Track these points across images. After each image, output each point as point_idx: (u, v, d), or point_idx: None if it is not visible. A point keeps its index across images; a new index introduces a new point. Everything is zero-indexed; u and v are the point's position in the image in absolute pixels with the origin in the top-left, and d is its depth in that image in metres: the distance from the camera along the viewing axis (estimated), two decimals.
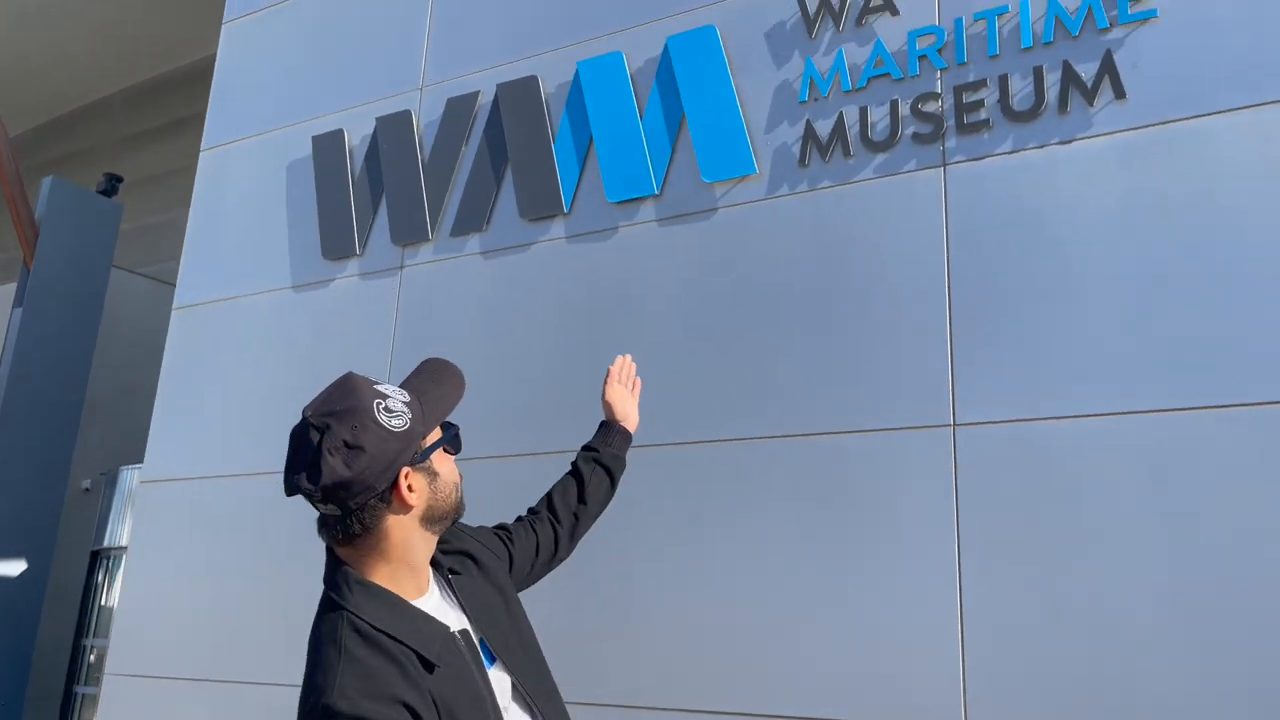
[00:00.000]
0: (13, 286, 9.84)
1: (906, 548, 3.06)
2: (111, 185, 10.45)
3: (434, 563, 1.57)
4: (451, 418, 1.61)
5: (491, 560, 1.70)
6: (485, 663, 1.50)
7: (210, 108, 5.25)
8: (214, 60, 5.34)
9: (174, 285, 5.10)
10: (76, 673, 8.64)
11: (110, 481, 8.88)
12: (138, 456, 5.39)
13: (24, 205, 9.63)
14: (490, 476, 3.68)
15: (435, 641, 1.42)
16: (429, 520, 1.51)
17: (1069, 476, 2.91)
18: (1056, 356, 3.00)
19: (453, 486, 1.54)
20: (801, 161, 3.53)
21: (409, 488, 1.46)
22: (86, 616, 8.79)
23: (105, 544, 8.43)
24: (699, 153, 3.72)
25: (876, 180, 3.40)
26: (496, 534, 1.85)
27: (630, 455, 3.59)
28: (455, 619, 1.53)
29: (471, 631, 1.53)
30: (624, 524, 3.46)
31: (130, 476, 8.46)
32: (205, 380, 4.75)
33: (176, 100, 12.40)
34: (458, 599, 1.56)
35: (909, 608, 3.02)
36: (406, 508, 1.47)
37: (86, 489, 10.83)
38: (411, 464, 1.48)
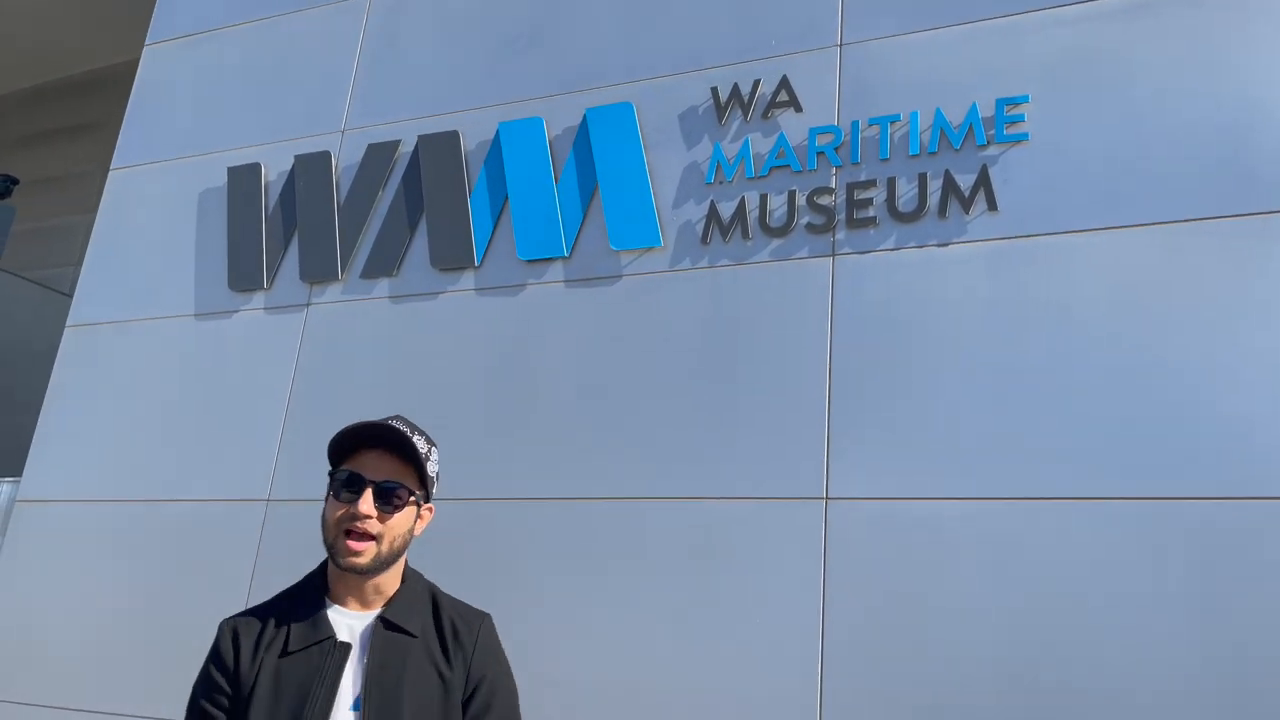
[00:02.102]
0: None
1: (773, 614, 3.25)
2: (6, 187, 10.13)
3: (394, 603, 1.70)
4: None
5: (459, 665, 1.69)
6: (354, 706, 1.59)
7: (125, 127, 5.23)
8: (119, 67, 5.34)
9: (63, 292, 5.02)
10: None
11: None
12: (6, 469, 5.25)
13: None
14: None
15: (310, 640, 1.61)
16: (323, 539, 1.69)
17: (928, 553, 3.15)
18: (924, 440, 3.26)
19: (326, 525, 1.68)
20: (703, 239, 3.75)
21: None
22: None
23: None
24: (609, 221, 3.91)
25: (771, 264, 3.63)
26: (480, 702, 1.72)
27: (515, 508, 3.72)
28: (345, 634, 1.65)
29: (355, 658, 1.62)
30: (509, 578, 3.57)
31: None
32: (95, 402, 4.69)
33: (78, 104, 12.08)
34: (367, 641, 1.64)
35: (771, 672, 3.20)
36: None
37: None
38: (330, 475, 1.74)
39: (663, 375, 3.67)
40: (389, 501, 1.66)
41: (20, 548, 4.61)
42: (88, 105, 11.65)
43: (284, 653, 1.58)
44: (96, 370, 4.76)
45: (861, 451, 3.32)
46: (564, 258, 3.97)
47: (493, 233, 4.13)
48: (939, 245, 3.44)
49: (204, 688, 1.59)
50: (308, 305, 4.40)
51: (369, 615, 1.66)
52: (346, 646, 1.60)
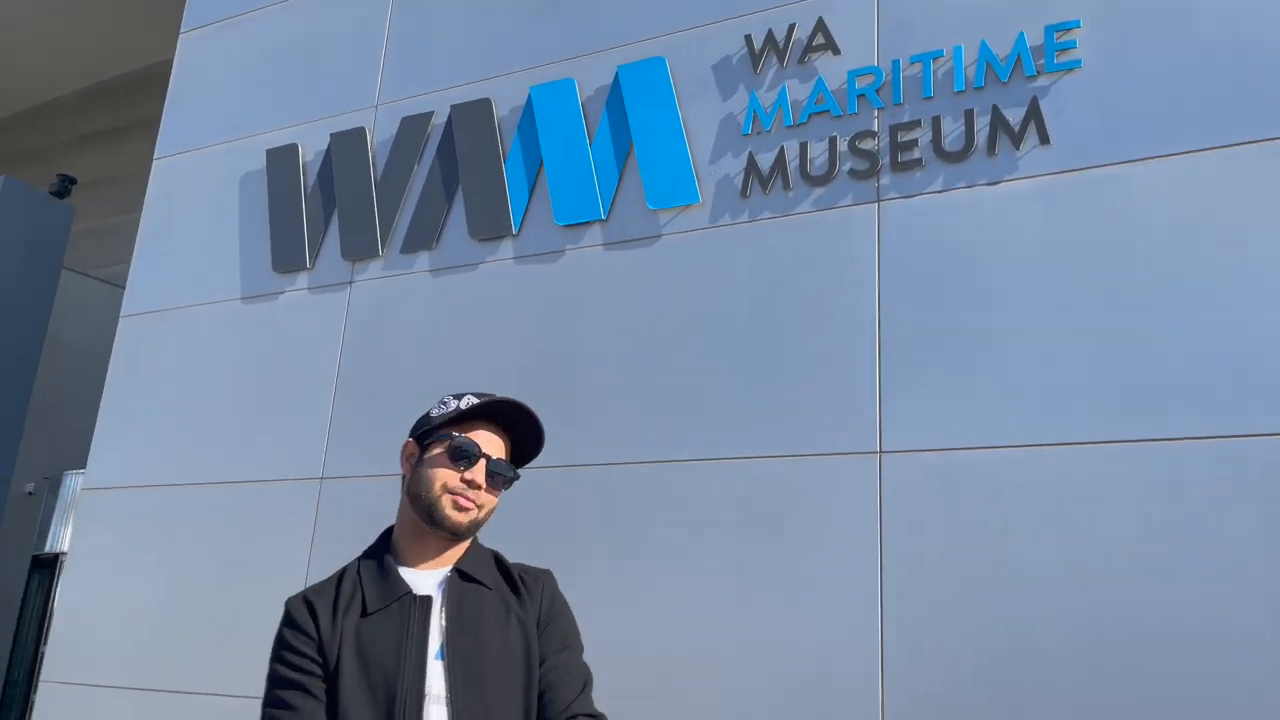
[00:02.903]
0: None
1: (831, 571, 3.16)
2: (64, 187, 10.35)
3: (470, 564, 1.70)
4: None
5: (531, 609, 1.70)
6: (438, 655, 1.57)
7: (165, 116, 5.27)
8: (169, 65, 5.36)
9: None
10: (14, 678, 8.51)
11: (53, 486, 8.77)
12: (84, 462, 5.36)
13: None
14: None
15: (388, 597, 1.61)
16: (412, 497, 1.68)
17: (987, 503, 3.03)
18: (979, 388, 3.13)
19: (429, 484, 1.66)
20: (743, 192, 3.64)
21: (405, 449, 1.73)
22: (25, 622, 8.66)
23: (47, 549, 8.32)
24: (645, 180, 3.82)
25: (814, 213, 3.52)
26: (555, 640, 1.74)
27: (564, 475, 3.68)
28: (426, 589, 1.65)
29: (438, 607, 1.63)
30: (557, 547, 3.53)
31: (75, 482, 8.37)
32: (151, 389, 4.75)
33: (131, 102, 12.29)
34: (444, 592, 1.64)
35: (831, 629, 3.12)
36: (402, 469, 1.73)
37: (30, 493, 10.66)
38: (414, 435, 1.73)
39: (707, 334, 3.58)
40: (497, 480, 1.70)
41: (88, 534, 4.71)
42: (139, 103, 11.85)
43: (364, 614, 1.58)
44: (151, 358, 4.82)
45: (914, 402, 3.21)
46: (601, 220, 3.89)
47: (529, 199, 4.07)
48: (989, 184, 3.28)
49: (288, 657, 1.57)
50: (350, 283, 4.40)
51: (441, 571, 1.67)
52: (428, 599, 1.60)
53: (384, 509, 3.99)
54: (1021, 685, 2.85)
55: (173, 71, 5.34)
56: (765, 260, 3.56)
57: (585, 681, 1.76)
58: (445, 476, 1.66)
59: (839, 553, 3.17)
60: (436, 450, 1.67)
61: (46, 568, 8.41)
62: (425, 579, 1.65)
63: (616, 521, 3.54)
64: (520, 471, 1.79)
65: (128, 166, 11.90)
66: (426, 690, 1.54)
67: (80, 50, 12.51)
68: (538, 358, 3.87)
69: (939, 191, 3.35)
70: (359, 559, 1.70)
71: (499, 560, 1.76)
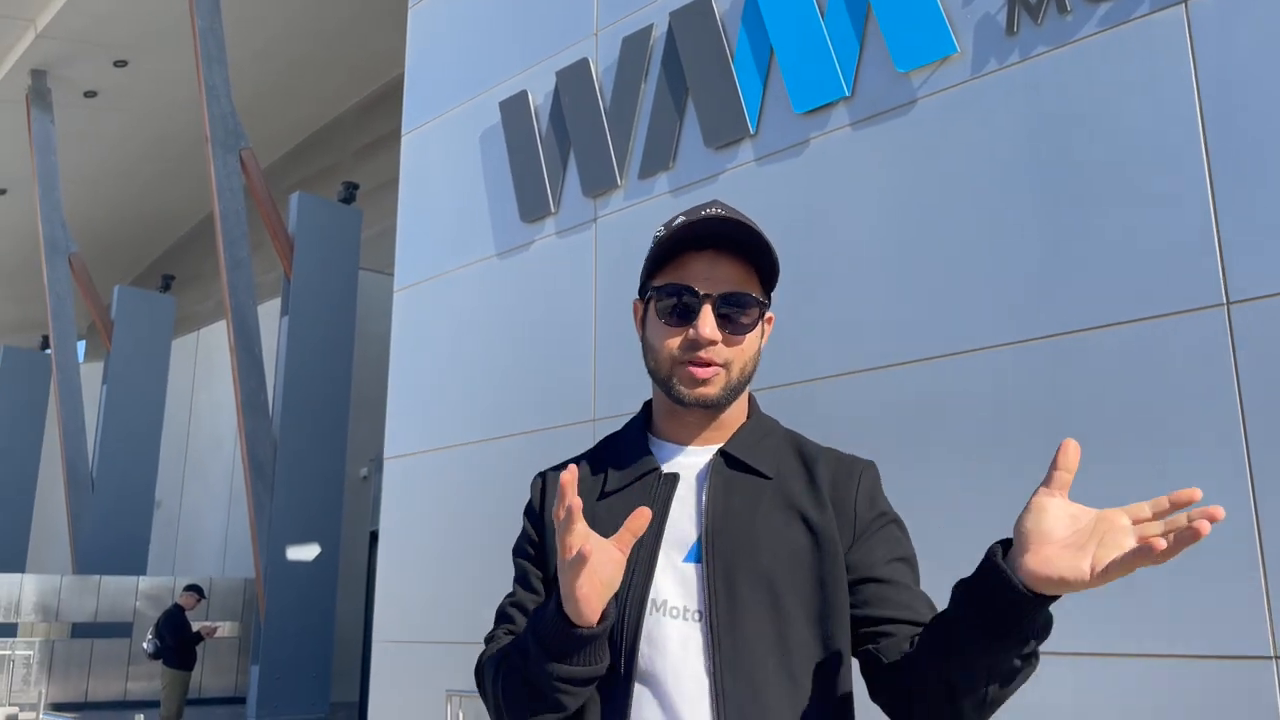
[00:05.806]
0: (279, 301, 10.78)
1: (1185, 453, 2.60)
2: (349, 193, 11.14)
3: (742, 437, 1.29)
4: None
5: (833, 508, 1.26)
6: (690, 557, 1.22)
7: (406, 93, 5.39)
8: None
9: None
10: (369, 639, 9.38)
11: (379, 468, 9.52)
12: None
13: (279, 223, 10.51)
14: None
15: (630, 477, 1.28)
16: (649, 372, 1.30)
17: None
18: None
19: (654, 355, 1.27)
20: (1009, 29, 3.09)
21: (634, 311, 1.31)
22: (372, 591, 9.50)
23: (381, 525, 9.06)
24: (890, 41, 3.35)
25: (1103, 34, 2.91)
26: (884, 549, 1.26)
27: (831, 385, 3.30)
28: (684, 469, 1.28)
29: (689, 499, 1.26)
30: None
31: None
32: (429, 355, 4.89)
33: (398, 108, 13.10)
34: (705, 480, 1.26)
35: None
36: (639, 334, 1.32)
37: (364, 477, 11.73)
38: (641, 296, 1.29)
39: (985, 203, 3.08)
40: (735, 318, 1.25)
41: (394, 501, 4.94)
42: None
43: (601, 495, 1.29)
44: (425, 327, 4.96)
45: (1264, 238, 2.56)
46: (845, 98, 3.47)
47: (763, 93, 3.72)
48: None
49: (519, 542, 1.36)
50: (595, 220, 4.26)
51: (707, 450, 1.30)
52: (673, 478, 1.27)
53: None
54: None
55: (407, 48, 5.45)
56: (1047, 104, 3.00)
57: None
58: (668, 342, 1.25)
59: (1192, 432, 2.60)
60: (652, 307, 1.27)
61: None
62: (684, 459, 1.30)
63: (890, 429, 3.14)
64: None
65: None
66: (652, 598, 1.21)
67: (347, 71, 13.48)
68: (794, 262, 3.52)
69: None
70: (614, 434, 1.38)
71: (796, 443, 1.35)
